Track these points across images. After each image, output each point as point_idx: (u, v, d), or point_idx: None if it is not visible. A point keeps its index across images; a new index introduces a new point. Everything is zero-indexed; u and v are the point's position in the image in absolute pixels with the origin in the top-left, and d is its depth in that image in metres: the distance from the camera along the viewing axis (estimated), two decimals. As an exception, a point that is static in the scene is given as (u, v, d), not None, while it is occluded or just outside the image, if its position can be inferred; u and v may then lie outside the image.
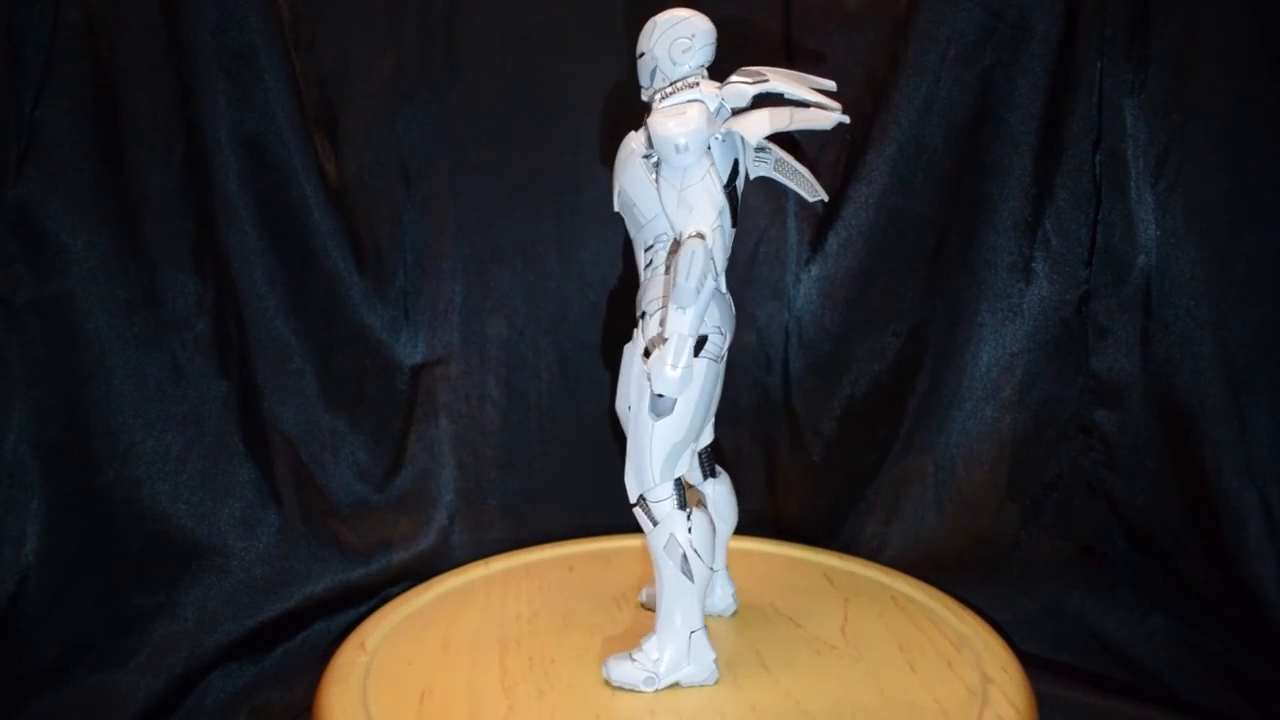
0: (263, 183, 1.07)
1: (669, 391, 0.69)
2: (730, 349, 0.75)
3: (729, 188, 0.73)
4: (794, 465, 1.19)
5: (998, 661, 0.78)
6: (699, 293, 0.68)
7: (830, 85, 0.74)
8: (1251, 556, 0.99)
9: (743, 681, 0.76)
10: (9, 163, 0.98)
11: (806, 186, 0.78)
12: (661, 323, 0.70)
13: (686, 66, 0.74)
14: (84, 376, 1.03)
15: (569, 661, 0.78)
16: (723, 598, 0.86)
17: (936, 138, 1.10)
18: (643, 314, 0.75)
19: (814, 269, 1.15)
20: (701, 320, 0.69)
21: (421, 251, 1.15)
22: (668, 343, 0.68)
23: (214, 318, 1.09)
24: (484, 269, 1.16)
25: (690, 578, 0.72)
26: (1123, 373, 1.08)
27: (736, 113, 0.73)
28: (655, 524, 0.73)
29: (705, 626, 0.74)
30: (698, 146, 0.70)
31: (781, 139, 0.75)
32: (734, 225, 0.74)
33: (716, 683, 0.75)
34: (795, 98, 0.72)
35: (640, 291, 0.76)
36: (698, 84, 0.73)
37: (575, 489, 1.18)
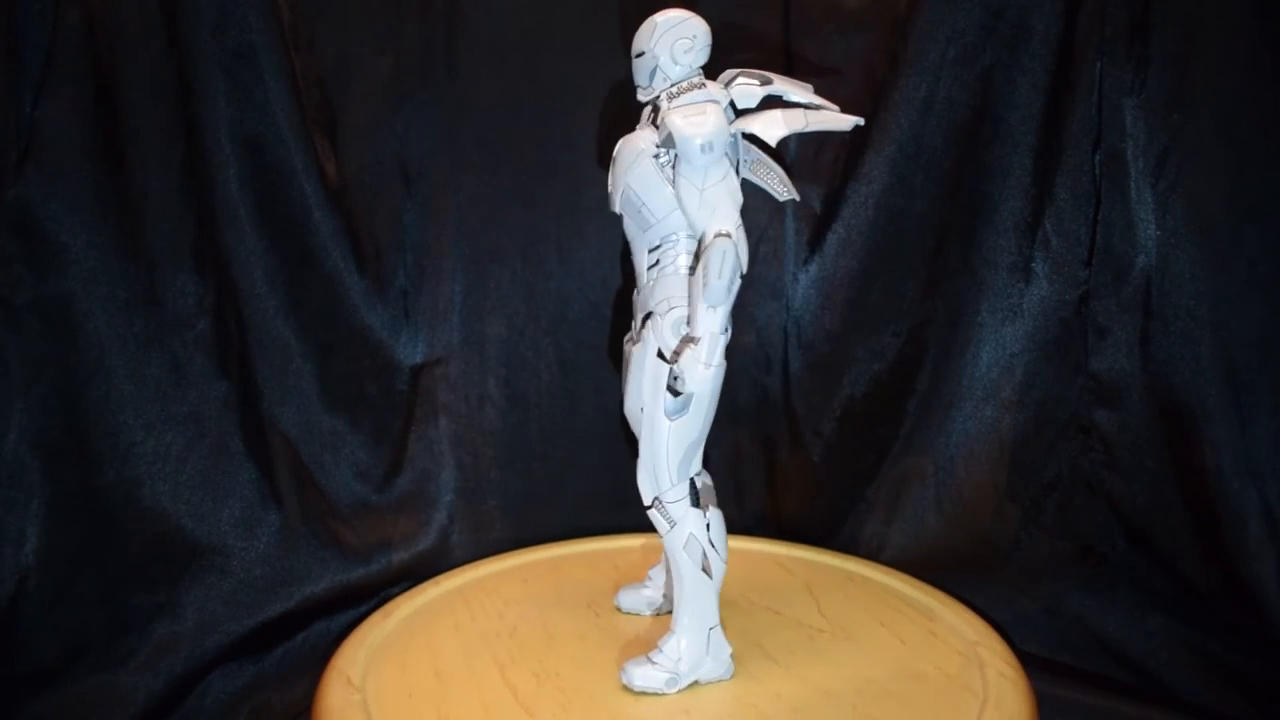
0: (263, 183, 1.07)
1: (703, 390, 0.70)
2: (729, 349, 0.75)
3: None
4: (794, 465, 1.19)
5: (998, 661, 0.78)
6: (730, 291, 0.69)
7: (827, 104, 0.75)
8: (1251, 556, 0.99)
9: (755, 673, 0.77)
10: (9, 163, 0.98)
11: (778, 185, 0.78)
12: (687, 322, 0.71)
13: (687, 67, 0.75)
14: (84, 376, 1.03)
15: (575, 672, 0.78)
16: None
17: (936, 138, 1.10)
18: (649, 314, 0.75)
19: (813, 269, 1.15)
20: (729, 318, 0.71)
21: (421, 251, 1.15)
22: (700, 342, 0.69)
23: (214, 318, 1.09)
24: (484, 269, 1.16)
25: (709, 574, 0.74)
26: (1123, 373, 1.08)
27: (741, 113, 0.74)
28: (673, 525, 0.73)
29: (721, 622, 0.75)
30: (721, 146, 0.71)
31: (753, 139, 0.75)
32: None
33: (731, 677, 0.76)
34: (799, 101, 0.74)
35: (644, 292, 0.76)
36: (704, 84, 0.74)
37: (575, 489, 1.18)
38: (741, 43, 1.12)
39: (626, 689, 0.74)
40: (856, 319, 1.15)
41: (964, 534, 1.14)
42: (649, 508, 0.74)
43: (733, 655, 0.76)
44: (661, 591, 0.87)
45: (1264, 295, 1.01)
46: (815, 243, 1.15)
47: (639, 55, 0.75)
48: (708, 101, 0.72)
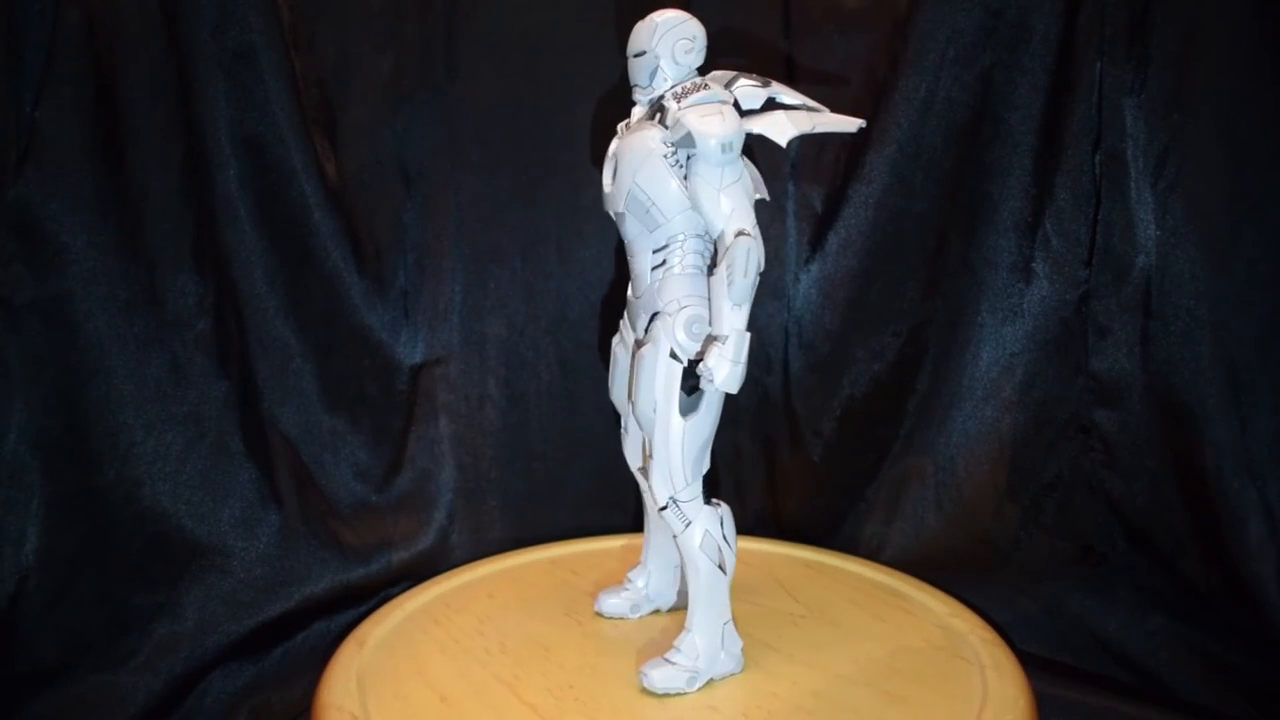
0: (263, 183, 1.07)
1: (732, 388, 0.70)
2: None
3: None
4: (794, 465, 1.19)
5: (998, 661, 0.78)
6: (754, 289, 0.70)
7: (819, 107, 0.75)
8: (1251, 556, 0.99)
9: (761, 663, 0.78)
10: (9, 163, 0.99)
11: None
12: (709, 322, 0.72)
13: (686, 68, 0.75)
14: (84, 376, 1.03)
15: (589, 683, 0.76)
16: (680, 592, 0.87)
17: (936, 138, 1.10)
18: (654, 315, 0.74)
19: (814, 269, 1.15)
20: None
21: (421, 251, 1.15)
22: (729, 340, 0.69)
23: (214, 318, 1.09)
24: (484, 269, 1.16)
25: (724, 570, 0.74)
26: (1123, 373, 1.08)
27: (745, 114, 0.74)
28: (688, 523, 0.74)
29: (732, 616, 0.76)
30: (739, 146, 0.71)
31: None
32: None
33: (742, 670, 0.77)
34: (797, 104, 0.74)
35: (648, 293, 0.75)
36: (709, 85, 0.74)
37: (575, 489, 1.18)
38: (742, 43, 1.12)
39: (647, 692, 0.74)
40: (856, 319, 1.15)
41: (964, 534, 1.14)
42: (664, 508, 0.74)
43: (743, 649, 0.77)
44: (643, 593, 0.86)
45: (1264, 295, 1.01)
46: (816, 242, 1.15)
47: (639, 55, 0.75)
48: (720, 103, 0.73)
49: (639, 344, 0.76)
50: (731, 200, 0.71)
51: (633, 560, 0.90)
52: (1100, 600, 1.09)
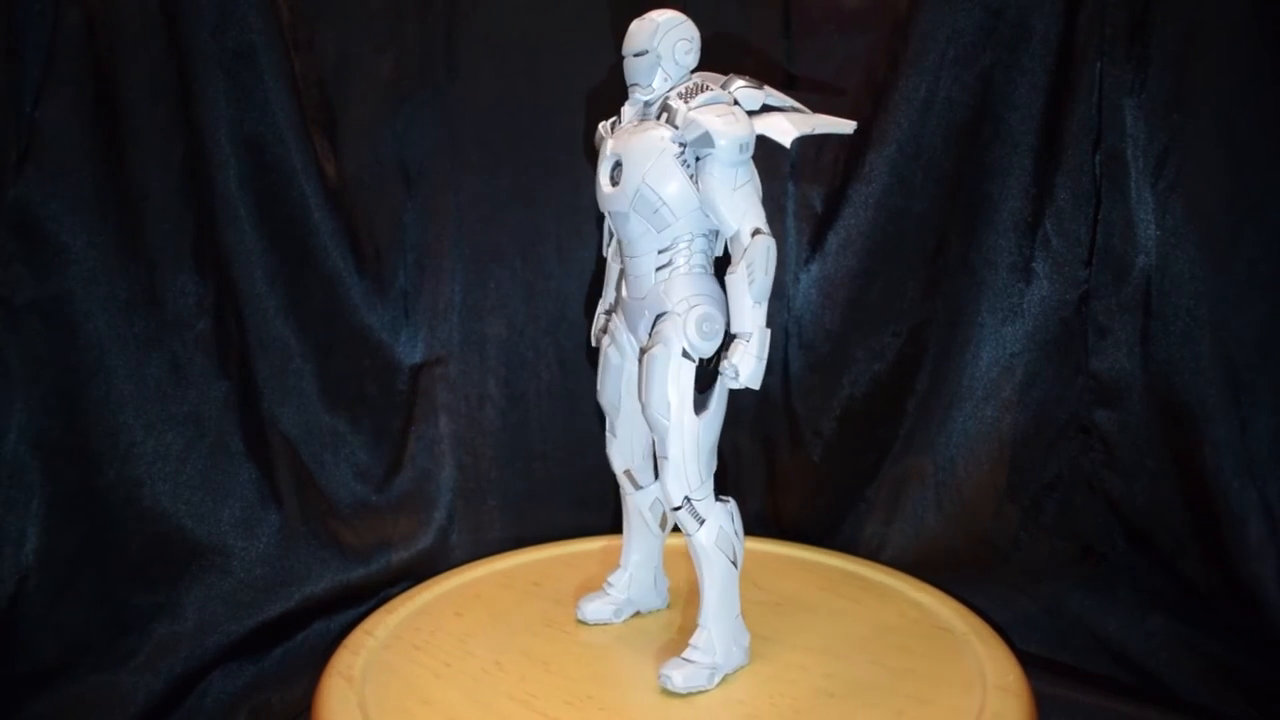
0: (263, 183, 1.07)
1: (756, 384, 0.71)
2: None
3: None
4: (794, 465, 1.19)
5: (997, 661, 0.78)
6: (771, 286, 0.71)
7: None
8: (1251, 556, 0.99)
9: (763, 654, 0.79)
10: (9, 163, 0.99)
11: None
12: (720, 320, 0.73)
13: (684, 68, 0.76)
14: (84, 376, 1.03)
15: (605, 692, 0.75)
16: (660, 594, 0.88)
17: (936, 138, 1.10)
18: (661, 315, 0.74)
19: (814, 269, 1.15)
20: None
21: (421, 251, 1.15)
22: (753, 337, 0.70)
23: (214, 318, 1.09)
24: (484, 269, 1.16)
25: (736, 565, 0.75)
26: (1123, 373, 1.08)
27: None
28: (702, 521, 0.74)
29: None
30: (752, 146, 0.72)
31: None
32: None
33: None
34: (787, 106, 0.75)
35: (652, 293, 0.75)
36: (710, 86, 0.75)
37: (575, 489, 1.18)
38: (742, 43, 1.12)
39: (669, 693, 0.74)
40: (856, 319, 1.15)
41: (964, 534, 1.14)
42: (677, 509, 0.74)
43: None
44: (625, 595, 0.86)
45: (1264, 295, 1.01)
46: (816, 242, 1.15)
47: (640, 54, 0.75)
48: (728, 103, 0.73)
49: (645, 348, 0.76)
50: (745, 200, 0.72)
51: (578, 568, 0.91)
52: (1100, 600, 1.09)
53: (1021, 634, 1.06)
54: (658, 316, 0.75)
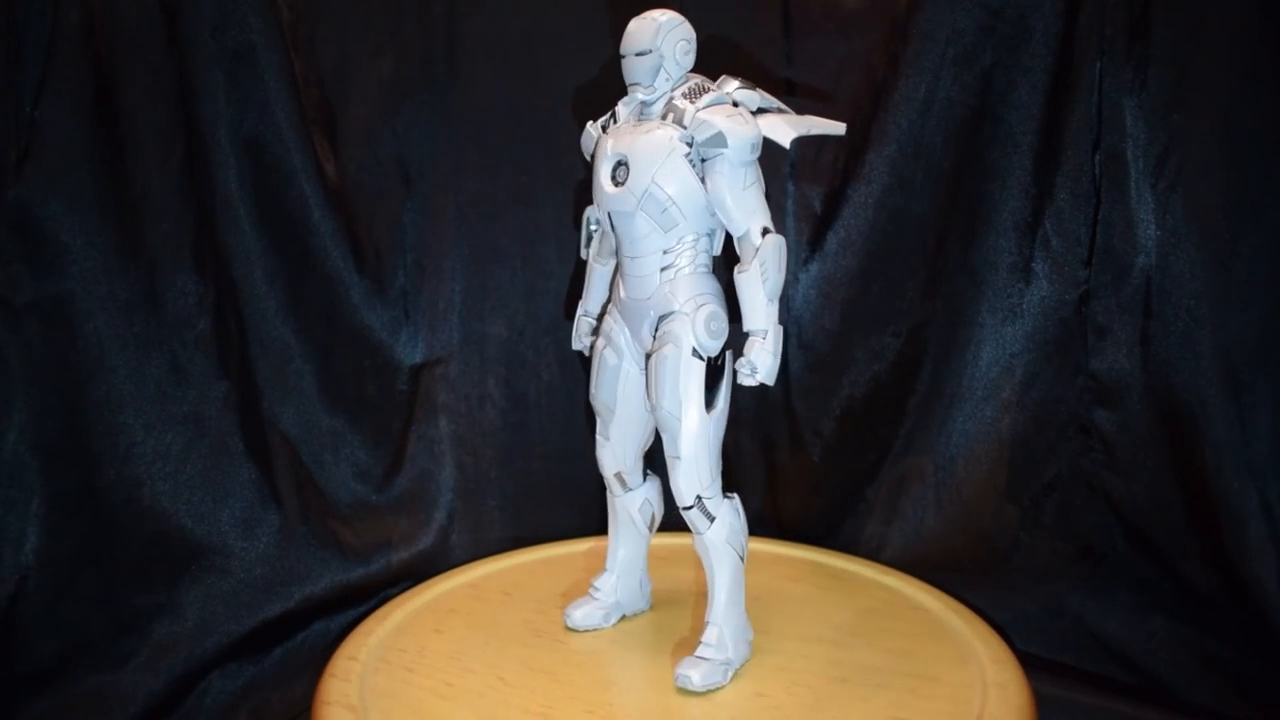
0: (263, 183, 1.07)
1: (771, 380, 0.72)
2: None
3: None
4: (794, 465, 1.19)
5: (998, 661, 0.78)
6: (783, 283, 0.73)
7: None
8: (1251, 556, 0.99)
9: (766, 646, 0.79)
10: (9, 163, 0.99)
11: None
12: (725, 319, 0.74)
13: (683, 68, 0.76)
14: (84, 376, 1.03)
15: (620, 698, 0.75)
16: (645, 596, 0.88)
17: (936, 138, 1.09)
18: (667, 315, 0.75)
19: (813, 269, 1.15)
20: None
21: (421, 251, 1.15)
22: (769, 334, 0.71)
23: (214, 318, 1.09)
24: (484, 269, 1.16)
25: (743, 559, 0.76)
26: (1123, 373, 1.08)
27: None
28: (713, 519, 0.75)
29: None
30: (761, 146, 0.73)
31: None
32: None
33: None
34: (775, 107, 0.76)
35: (658, 293, 0.75)
36: (711, 87, 0.75)
37: (575, 489, 1.18)
38: (741, 43, 1.12)
39: (687, 692, 0.74)
40: (856, 319, 1.15)
41: (964, 534, 1.13)
42: (689, 508, 0.74)
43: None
44: (613, 599, 0.85)
45: (1264, 295, 1.01)
46: (816, 242, 1.15)
47: (642, 54, 0.75)
48: (733, 104, 0.74)
49: (651, 350, 0.76)
50: (754, 199, 0.73)
51: (544, 575, 0.91)
52: (1100, 600, 1.09)
53: (1021, 634, 1.06)
54: (662, 317, 0.75)
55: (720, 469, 0.75)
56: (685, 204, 0.73)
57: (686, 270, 0.75)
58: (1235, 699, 1.00)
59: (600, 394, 0.81)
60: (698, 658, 0.75)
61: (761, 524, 1.19)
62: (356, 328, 1.13)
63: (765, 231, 0.72)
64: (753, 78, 0.77)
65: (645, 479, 0.85)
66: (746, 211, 0.72)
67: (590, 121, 0.81)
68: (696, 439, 0.73)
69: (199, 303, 1.08)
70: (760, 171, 0.74)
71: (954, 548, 1.13)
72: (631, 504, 0.84)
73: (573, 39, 1.13)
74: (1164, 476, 1.06)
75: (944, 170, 1.11)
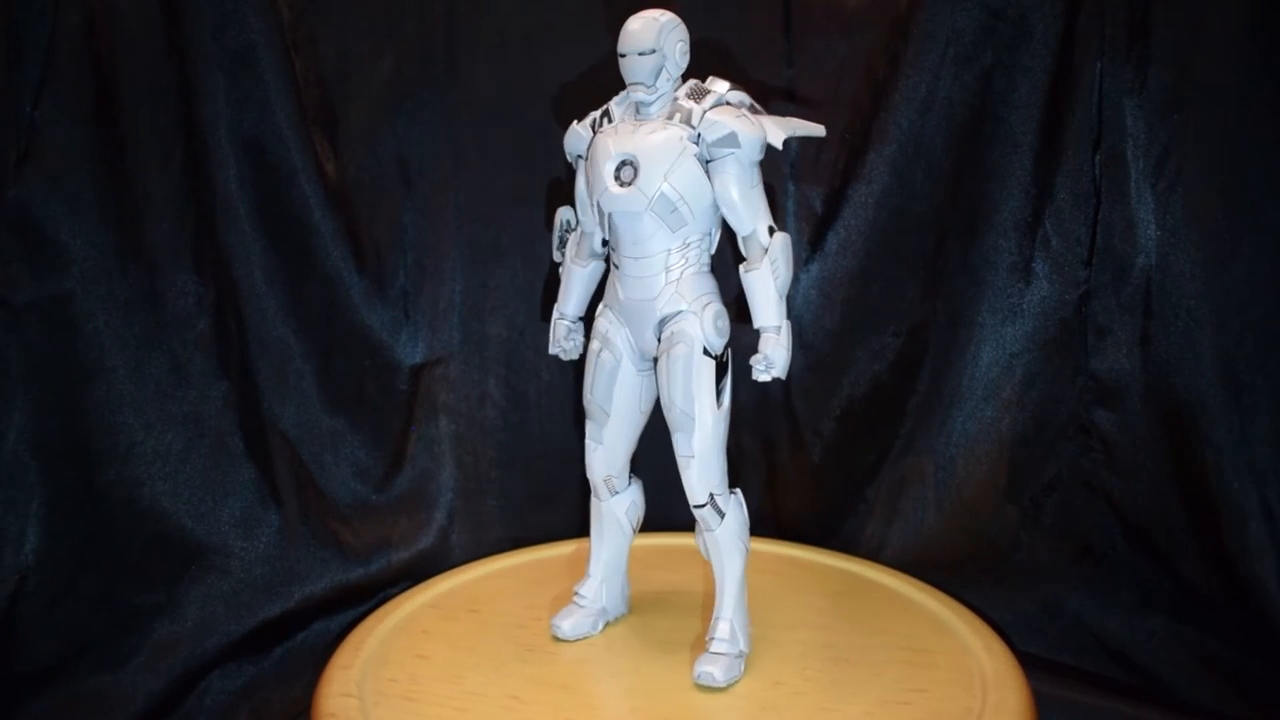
0: (263, 183, 1.07)
1: (784, 374, 0.73)
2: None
3: None
4: (794, 465, 1.19)
5: (997, 661, 0.78)
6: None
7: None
8: (1251, 557, 0.99)
9: (761, 635, 0.80)
10: (9, 163, 0.98)
11: None
12: (727, 316, 0.76)
13: (682, 69, 0.77)
14: (84, 376, 1.03)
15: (647, 704, 0.74)
16: (625, 600, 0.88)
17: (936, 138, 1.09)
18: (675, 314, 0.75)
19: (813, 269, 1.15)
20: None
21: (421, 251, 1.15)
22: (781, 330, 0.73)
23: (214, 318, 1.09)
24: (484, 269, 1.16)
25: (748, 552, 0.78)
26: (1123, 373, 1.08)
27: None
28: (723, 515, 0.76)
29: None
30: (765, 146, 0.74)
31: None
32: None
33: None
34: (757, 107, 0.77)
35: (665, 293, 0.76)
36: (710, 88, 0.76)
37: (575, 489, 1.18)
38: (741, 42, 1.12)
39: (710, 689, 0.74)
40: (856, 319, 1.15)
41: (964, 534, 1.13)
42: (702, 506, 0.75)
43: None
44: (600, 605, 0.84)
45: (1264, 295, 1.01)
46: (815, 242, 1.15)
47: (645, 53, 0.75)
48: (736, 104, 0.75)
49: (659, 351, 0.76)
50: (761, 198, 0.74)
51: (501, 587, 0.91)
52: (1100, 600, 1.09)
53: (1021, 634, 1.06)
54: (667, 317, 0.75)
55: (727, 466, 0.76)
56: (695, 204, 0.74)
57: (693, 269, 0.76)
58: (1235, 699, 1.00)
59: (596, 397, 0.81)
60: (715, 654, 0.75)
61: (761, 524, 1.19)
62: (356, 328, 1.13)
63: (772, 230, 0.73)
64: (747, 79, 0.78)
65: (630, 482, 0.85)
66: (755, 210, 0.74)
67: (576, 121, 0.81)
68: (709, 436, 0.74)
69: (199, 303, 1.08)
70: (760, 172, 0.75)
71: (954, 548, 1.13)
72: (618, 507, 0.84)
73: (574, 39, 1.13)
74: (1164, 476, 1.06)
75: (944, 170, 1.11)
